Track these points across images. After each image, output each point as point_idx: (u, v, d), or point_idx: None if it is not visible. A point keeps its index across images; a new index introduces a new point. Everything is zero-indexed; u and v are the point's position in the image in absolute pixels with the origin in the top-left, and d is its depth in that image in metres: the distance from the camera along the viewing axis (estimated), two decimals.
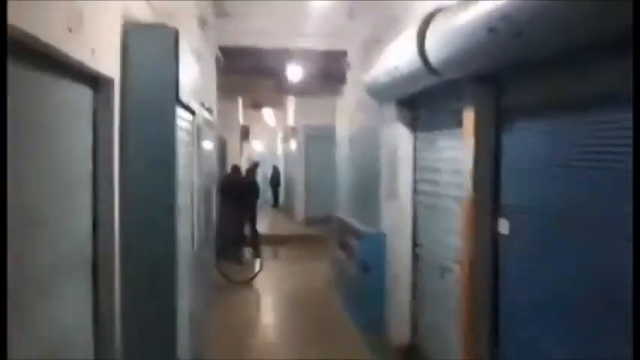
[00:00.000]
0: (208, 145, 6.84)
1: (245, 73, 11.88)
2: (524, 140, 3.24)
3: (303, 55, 10.54)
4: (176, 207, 3.75)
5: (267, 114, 18.63)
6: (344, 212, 7.59)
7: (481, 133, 3.57)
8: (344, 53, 9.26)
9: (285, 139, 18.38)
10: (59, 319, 2.64)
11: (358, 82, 7.31)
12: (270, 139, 22.82)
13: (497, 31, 2.74)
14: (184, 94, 3.90)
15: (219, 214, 10.18)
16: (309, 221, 14.92)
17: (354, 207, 7.20)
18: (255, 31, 9.26)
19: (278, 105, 18.20)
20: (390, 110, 5.41)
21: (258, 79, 12.65)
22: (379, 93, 5.06)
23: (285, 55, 10.60)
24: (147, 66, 3.43)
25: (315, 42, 9.45)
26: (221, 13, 8.25)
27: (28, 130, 2.30)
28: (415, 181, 5.10)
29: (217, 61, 8.71)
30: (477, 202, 3.62)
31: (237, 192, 10.91)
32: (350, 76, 8.03)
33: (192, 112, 4.80)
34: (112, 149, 3.33)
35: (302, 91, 13.39)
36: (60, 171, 2.71)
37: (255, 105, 19.02)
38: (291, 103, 16.25)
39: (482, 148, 3.58)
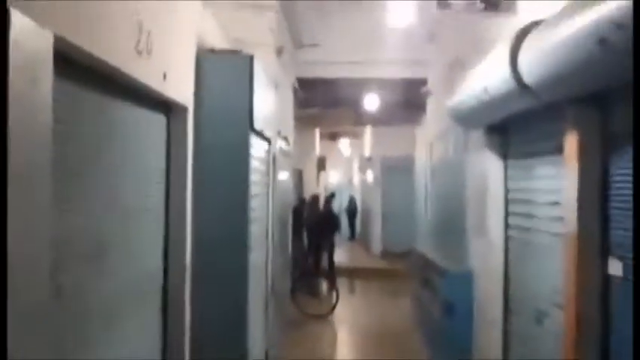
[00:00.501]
0: (284, 174, 6.73)
1: (322, 104, 11.87)
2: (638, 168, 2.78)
3: (381, 84, 10.37)
4: (249, 239, 3.58)
5: (344, 144, 18.53)
6: (425, 247, 7.17)
7: (586, 160, 3.13)
8: (423, 81, 8.98)
9: (362, 169, 18.14)
10: (127, 348, 2.49)
11: (439, 110, 6.97)
12: (346, 169, 22.68)
13: (609, 43, 2.36)
14: (259, 122, 3.77)
15: (296, 244, 10.04)
16: (386, 255, 14.48)
17: (436, 242, 6.77)
18: (332, 62, 9.20)
19: (354, 136, 18.08)
20: (477, 137, 5.03)
21: (335, 110, 12.59)
22: (465, 118, 4.71)
23: (363, 84, 10.48)
24: (221, 93, 3.34)
25: (393, 70, 9.25)
26: (298, 43, 8.26)
27: (100, 156, 2.21)
28: (507, 215, 4.65)
29: (294, 91, 8.69)
30: (582, 239, 3.16)
31: (316, 223, 10.74)
32: (430, 103, 7.71)
33: (268, 141, 4.69)
34: (184, 178, 3.23)
35: (379, 120, 13.19)
36: (132, 198, 2.61)
37: (332, 136, 19.04)
38: (367, 133, 16.05)
39: (588, 177, 3.14)
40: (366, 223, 17.89)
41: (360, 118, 13.19)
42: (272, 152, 5.05)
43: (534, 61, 3.03)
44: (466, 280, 5.21)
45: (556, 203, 3.67)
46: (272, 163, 5.08)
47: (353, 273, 12.52)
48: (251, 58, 3.41)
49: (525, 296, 4.26)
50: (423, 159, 12.30)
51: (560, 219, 3.55)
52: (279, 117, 5.55)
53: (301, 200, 11.97)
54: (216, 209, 3.39)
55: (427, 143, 7.44)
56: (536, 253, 4.06)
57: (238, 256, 3.54)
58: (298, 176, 13.80)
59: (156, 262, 3.00)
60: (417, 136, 12.92)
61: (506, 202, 4.67)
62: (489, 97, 3.73)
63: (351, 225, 19.23)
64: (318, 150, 16.47)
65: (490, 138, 4.78)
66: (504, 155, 4.68)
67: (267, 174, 4.83)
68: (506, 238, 4.66)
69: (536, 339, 4.09)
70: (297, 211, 10.71)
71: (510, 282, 4.60)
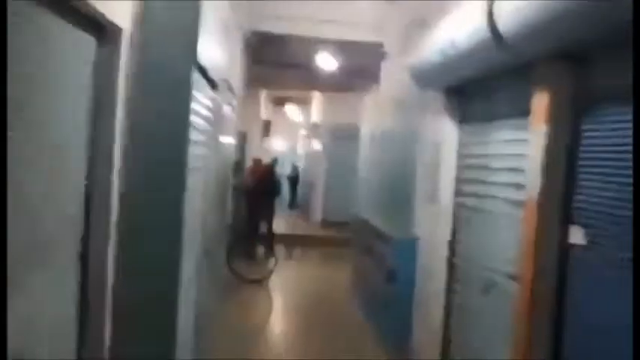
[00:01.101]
0: (229, 131, 6.31)
1: (271, 63, 11.35)
2: (612, 130, 2.62)
3: (334, 47, 9.97)
4: (184, 191, 3.19)
5: (291, 110, 18.08)
6: (369, 214, 6.98)
7: (554, 121, 2.96)
8: (378, 46, 8.68)
9: (308, 137, 17.80)
10: (33, 310, 2.09)
11: (394, 74, 6.73)
12: (291, 136, 22.28)
13: None
14: (205, 60, 3.35)
15: (234, 208, 9.66)
16: (327, 224, 14.36)
17: (381, 209, 6.58)
18: (285, 16, 8.72)
19: (302, 102, 17.67)
20: (433, 101, 4.82)
21: (285, 71, 12.10)
22: (425, 78, 4.47)
23: (315, 45, 10.05)
24: (163, 16, 2.89)
25: (348, 31, 8.86)
26: None
27: (10, 77, 1.77)
28: (458, 182, 4.49)
29: (246, 44, 8.17)
30: (544, 206, 3.01)
31: (256, 187, 10.40)
32: (385, 67, 7.43)
33: (214, 86, 4.26)
34: (113, 115, 2.79)
35: (329, 86, 12.83)
36: (46, 132, 2.18)
37: (279, 101, 18.53)
38: (316, 99, 15.67)
39: (555, 139, 2.97)
40: (308, 192, 17.69)
41: (309, 83, 12.77)
42: (218, 102, 4.63)
43: (512, 10, 2.79)
44: (410, 247, 5.06)
45: (514, 169, 3.51)
46: (216, 112, 4.66)
47: (292, 240, 12.31)
48: None
49: (473, 266, 4.13)
50: (370, 128, 12.18)
51: (518, 185, 3.39)
52: (227, 65, 5.11)
53: (253, 163, 11.56)
54: (149, 154, 2.96)
55: (378, 110, 7.19)
56: (488, 222, 3.92)
57: (172, 209, 3.13)
58: (242, 139, 13.30)
59: (74, 209, 2.57)
60: (365, 105, 12.74)
61: (459, 168, 4.51)
62: (456, 52, 3.48)
63: (293, 193, 18.96)
64: (264, 113, 15.96)
65: (447, 101, 4.57)
66: (460, 119, 4.50)
67: (211, 124, 4.41)
68: (456, 205, 4.51)
69: (480, 310, 3.98)
70: (242, 175, 10.30)
71: (457, 251, 4.47)
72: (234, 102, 7.10)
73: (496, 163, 3.87)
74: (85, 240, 2.68)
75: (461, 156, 4.46)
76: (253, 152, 13.49)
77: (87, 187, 2.69)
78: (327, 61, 9.59)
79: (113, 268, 2.88)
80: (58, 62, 2.25)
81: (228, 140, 6.45)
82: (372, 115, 11.62)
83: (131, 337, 2.96)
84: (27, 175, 2.02)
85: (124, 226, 2.92)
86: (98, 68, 2.68)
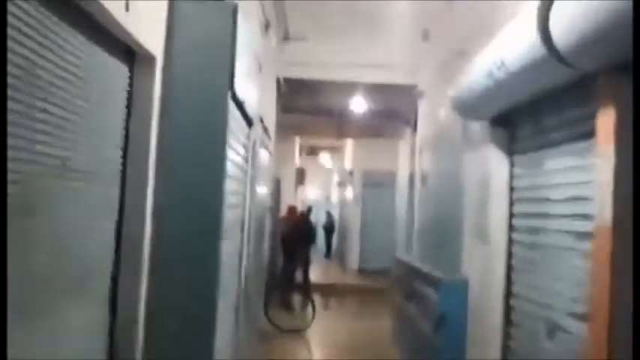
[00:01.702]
0: (264, 172, 6.18)
1: (304, 110, 11.37)
2: None
3: (367, 91, 9.93)
4: (221, 227, 3.00)
5: (324, 158, 18.03)
6: (412, 256, 6.65)
7: (625, 141, 2.67)
8: (412, 87, 8.58)
9: (342, 184, 17.61)
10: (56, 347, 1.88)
11: (432, 112, 6.55)
12: (325, 184, 22.15)
13: None
14: (240, 90, 3.23)
15: (270, 256, 9.44)
16: (363, 272, 13.93)
17: (426, 251, 6.24)
18: (318, 62, 8.74)
19: (335, 150, 17.63)
20: (479, 133, 4.58)
21: (317, 118, 12.10)
22: (470, 106, 4.24)
23: (348, 91, 10.03)
24: (197, 43, 2.79)
25: (381, 74, 8.81)
26: (284, 33, 7.71)
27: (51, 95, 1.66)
28: (511, 217, 4.17)
29: (278, 86, 8.16)
30: (617, 234, 2.68)
31: (292, 235, 10.19)
32: (421, 106, 7.26)
33: (249, 122, 4.15)
34: (147, 144, 2.66)
35: (362, 132, 12.74)
36: (77, 158, 2.05)
37: (312, 151, 18.54)
38: (349, 146, 15.59)
39: (625, 161, 2.68)
40: (343, 240, 17.35)
41: (342, 129, 12.73)
42: (252, 139, 4.51)
43: (568, 21, 2.58)
44: (461, 289, 4.70)
45: (577, 198, 3.21)
46: (252, 151, 4.53)
47: (328, 290, 11.91)
48: (235, 8, 2.87)
49: (532, 306, 3.76)
50: (407, 170, 11.95)
51: (583, 216, 3.08)
52: (261, 104, 5.02)
53: (288, 211, 11.42)
54: (184, 186, 2.81)
55: (419, 150, 6.97)
56: (549, 257, 3.58)
57: (209, 246, 2.93)
58: (276, 186, 13.22)
59: (104, 241, 2.40)
60: (400, 150, 12.57)
61: (511, 202, 4.20)
62: (505, 73, 3.26)
63: (328, 242, 18.64)
64: (297, 161, 15.93)
65: (494, 131, 4.32)
66: (510, 150, 4.23)
67: (246, 160, 4.28)
68: (510, 242, 4.18)
69: (542, 356, 3.58)
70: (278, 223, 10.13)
71: (513, 291, 4.10)
72: (270, 145, 7.01)
73: (556, 194, 3.56)
74: (115, 277, 2.50)
75: (513, 189, 4.17)
76: (287, 200, 13.36)
77: (119, 220, 2.53)
78: (359, 105, 9.47)
79: (144, 310, 2.67)
80: (92, 88, 2.14)
81: (263, 184, 6.31)
82: (409, 157, 11.42)
83: None
84: (60, 202, 1.87)
85: (156, 263, 2.73)
86: (131, 97, 2.58)
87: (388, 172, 12.94)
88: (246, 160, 4.35)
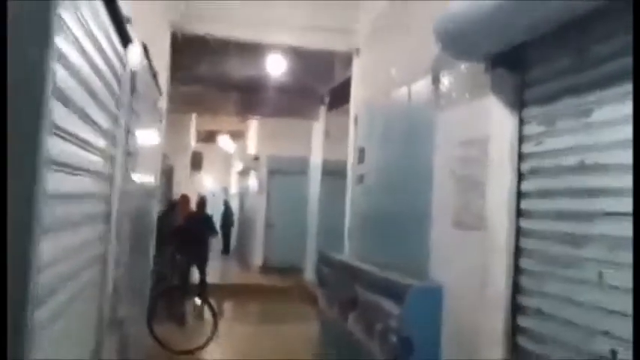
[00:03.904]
0: (149, 148, 4.44)
1: (203, 81, 9.56)
2: None
3: (277, 59, 8.38)
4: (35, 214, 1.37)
5: (224, 141, 16.18)
6: (351, 253, 5.23)
7: None
8: (330, 54, 7.20)
9: (244, 172, 15.86)
10: None
11: (374, 72, 5.18)
12: (223, 173, 20.25)
13: None
14: None
15: (157, 257, 7.61)
16: (268, 270, 12.40)
17: (368, 248, 4.83)
18: (221, 17, 7.04)
19: (237, 135, 15.89)
20: (470, 79, 3.27)
21: (218, 93, 10.31)
22: (463, 40, 2.89)
23: (255, 58, 8.42)
24: None
25: (303, 36, 7.27)
26: None
27: None
28: (520, 196, 2.89)
29: (174, 41, 6.40)
30: None
31: (186, 228, 8.40)
32: (356, 66, 5.84)
33: (124, 35, 2.49)
34: None
35: (270, 111, 11.14)
36: None
37: (210, 136, 16.63)
38: (254, 127, 13.93)
39: None
40: (243, 234, 15.68)
41: (246, 107, 11.00)
42: (129, 71, 2.81)
43: None
44: (433, 300, 3.36)
45: None
46: (128, 102, 2.83)
47: (227, 292, 10.21)
48: None
49: (566, 330, 2.48)
50: (320, 157, 10.60)
51: None
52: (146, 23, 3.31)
53: (172, 204, 9.56)
54: None
55: (351, 118, 5.54)
56: (593, 254, 2.33)
57: None
58: (168, 175, 11.27)
59: None
60: (314, 133, 11.18)
61: (520, 175, 2.92)
62: None
63: (226, 237, 16.82)
64: (193, 142, 13.95)
65: (496, 76, 3.01)
66: (519, 102, 2.94)
67: (116, 120, 2.64)
68: (518, 233, 2.90)
69: None
70: (165, 217, 8.32)
71: (527, 306, 2.82)
72: (161, 105, 5.28)
73: (607, 158, 2.31)
74: None
75: (524, 157, 2.88)
76: (182, 190, 11.45)
77: None
78: (268, 76, 7.91)
79: None
80: None
81: (149, 163, 4.57)
82: (320, 145, 10.11)
83: None
84: None
85: None
86: None
87: (299, 158, 11.48)
88: (115, 119, 2.68)
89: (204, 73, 9.24)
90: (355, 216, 5.25)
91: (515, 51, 2.84)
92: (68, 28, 1.77)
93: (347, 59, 7.03)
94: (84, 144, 2.20)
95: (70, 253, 2.07)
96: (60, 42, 1.65)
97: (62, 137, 1.78)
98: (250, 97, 10.41)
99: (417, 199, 3.79)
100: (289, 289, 10.62)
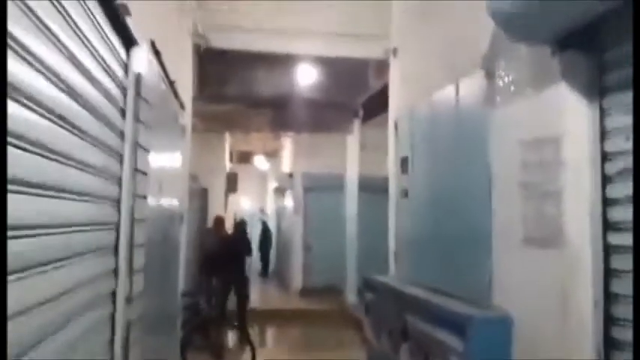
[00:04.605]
0: (170, 165, 4.09)
1: (233, 99, 9.28)
2: None
3: (309, 72, 8.04)
4: None
5: (259, 161, 15.92)
6: (391, 279, 4.72)
7: None
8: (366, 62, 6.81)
9: (279, 191, 15.47)
10: None
11: (416, 71, 4.71)
12: (259, 193, 19.95)
13: None
14: None
15: (193, 282, 7.27)
16: (307, 293, 11.92)
17: (420, 271, 4.29)
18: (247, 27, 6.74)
19: (272, 155, 15.61)
20: (534, 67, 2.78)
21: (249, 110, 10.00)
22: (525, 20, 2.40)
23: (286, 72, 8.10)
24: None
25: (329, 46, 6.90)
26: None
27: None
28: (607, 204, 2.36)
29: (198, 53, 6.12)
30: None
31: (222, 252, 7.98)
32: (395, 68, 5.36)
33: (126, 36, 2.13)
34: None
35: (302, 126, 10.77)
36: None
37: (245, 156, 16.42)
38: (287, 146, 13.58)
39: None
40: (282, 256, 15.26)
41: (278, 123, 10.66)
42: (133, 78, 2.44)
43: None
44: (503, 333, 2.82)
45: None
46: (132, 110, 2.46)
47: (266, 316, 9.77)
48: None
49: None
50: (356, 172, 10.14)
51: None
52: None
53: (207, 230, 9.27)
54: None
55: (391, 125, 5.06)
56: None
57: None
58: (202, 197, 11.01)
59: None
60: (348, 147, 10.74)
61: (604, 179, 2.39)
62: None
63: (264, 258, 16.45)
64: (228, 164, 13.67)
65: (566, 61, 2.51)
66: (596, 89, 2.43)
67: (122, 136, 2.29)
68: (607, 249, 2.36)
69: None
70: (202, 244, 8.00)
71: (622, 339, 2.27)
72: (184, 120, 4.96)
73: None
74: None
75: (608, 156, 2.36)
76: (216, 212, 11.14)
77: None
78: (309, 72, 7.54)
79: None
80: None
81: (171, 185, 4.23)
82: (356, 160, 9.68)
83: None
84: None
85: None
86: None
87: (335, 174, 11.05)
88: (119, 132, 2.31)
89: (234, 91, 8.97)
90: (401, 234, 4.75)
91: (589, 27, 2.35)
92: (46, 27, 1.44)
93: (380, 67, 6.63)
94: (77, 163, 1.84)
95: (62, 294, 1.71)
96: (30, 41, 1.33)
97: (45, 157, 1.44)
98: (282, 113, 10.08)
99: (473, 213, 3.27)
100: (330, 312, 10.16)
